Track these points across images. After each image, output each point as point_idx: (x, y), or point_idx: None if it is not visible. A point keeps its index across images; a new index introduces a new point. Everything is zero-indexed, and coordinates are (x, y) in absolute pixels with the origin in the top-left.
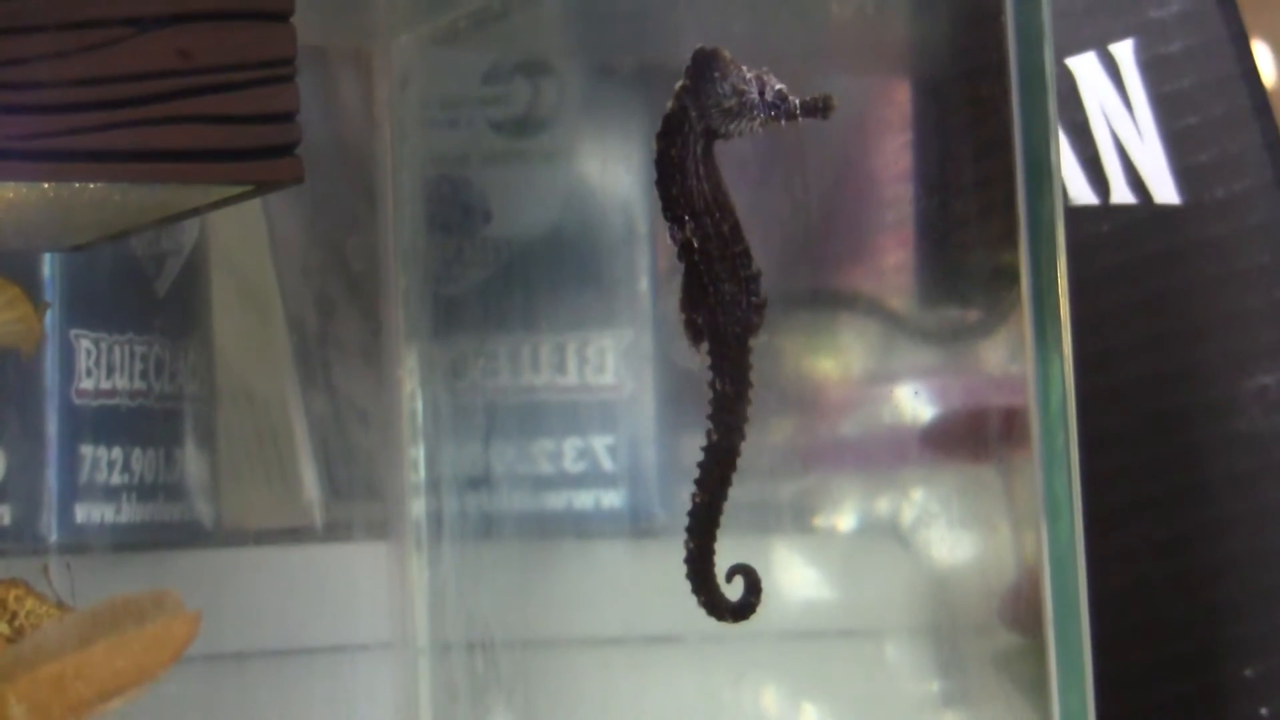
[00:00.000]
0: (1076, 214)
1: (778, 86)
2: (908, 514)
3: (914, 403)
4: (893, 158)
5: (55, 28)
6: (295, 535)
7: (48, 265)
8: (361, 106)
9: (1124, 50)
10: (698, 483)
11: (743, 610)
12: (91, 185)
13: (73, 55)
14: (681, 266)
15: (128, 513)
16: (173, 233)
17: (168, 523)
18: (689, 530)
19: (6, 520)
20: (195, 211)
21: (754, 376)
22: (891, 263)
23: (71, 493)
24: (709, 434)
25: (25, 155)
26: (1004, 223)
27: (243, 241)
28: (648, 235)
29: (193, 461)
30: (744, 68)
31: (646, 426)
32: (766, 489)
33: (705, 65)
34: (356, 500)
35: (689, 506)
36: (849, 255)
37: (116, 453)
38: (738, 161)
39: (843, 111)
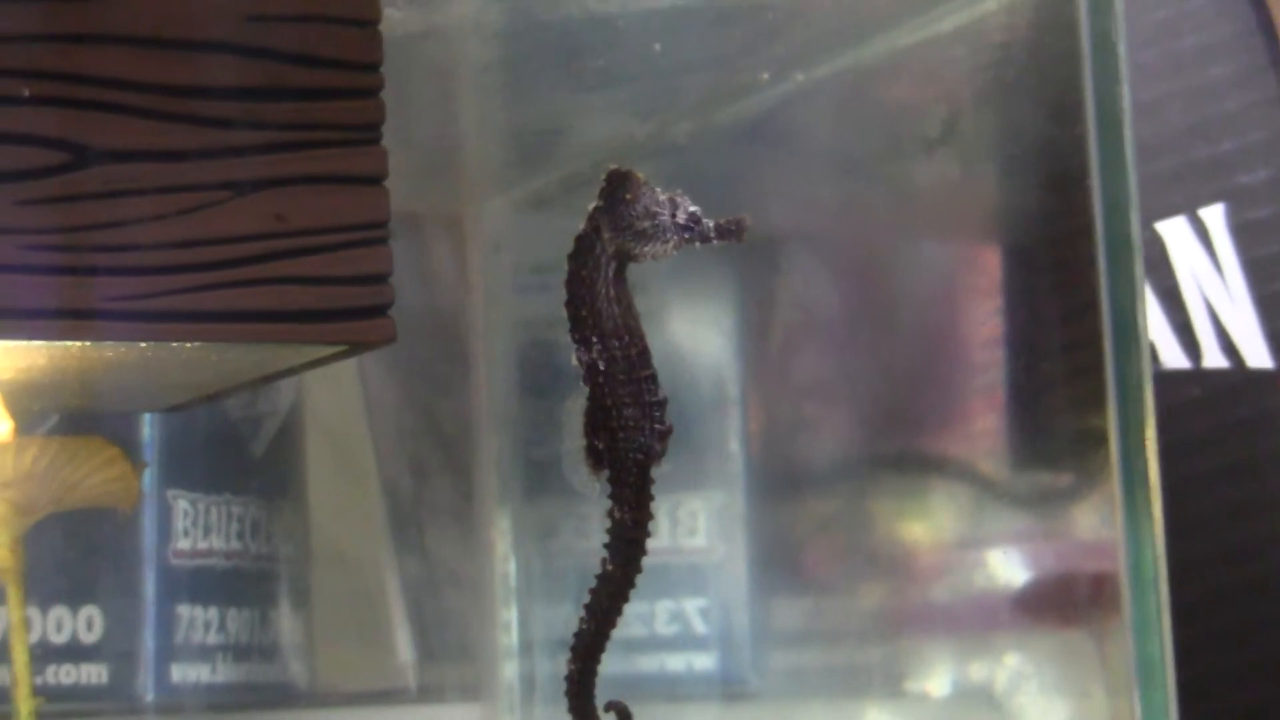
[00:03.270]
0: (1168, 378)
1: (691, 209)
2: (1000, 679)
3: (1005, 566)
4: (981, 322)
5: (154, 191)
6: (388, 697)
7: (147, 426)
8: (454, 271)
9: (1214, 215)
10: (587, 608)
11: None
12: (188, 346)
13: (171, 218)
14: (586, 390)
15: (223, 673)
16: (269, 395)
17: (262, 683)
18: (572, 650)
19: (104, 679)
20: (289, 372)
21: (654, 507)
22: (980, 426)
23: (168, 652)
24: (603, 562)
25: (123, 316)
26: (1092, 386)
27: (338, 405)
28: (738, 398)
29: (287, 622)
30: (657, 190)
31: (738, 589)
32: (858, 652)
33: (617, 186)
34: (449, 662)
35: (580, 634)
36: (938, 419)
37: (212, 613)
38: (825, 325)
39: (931, 276)
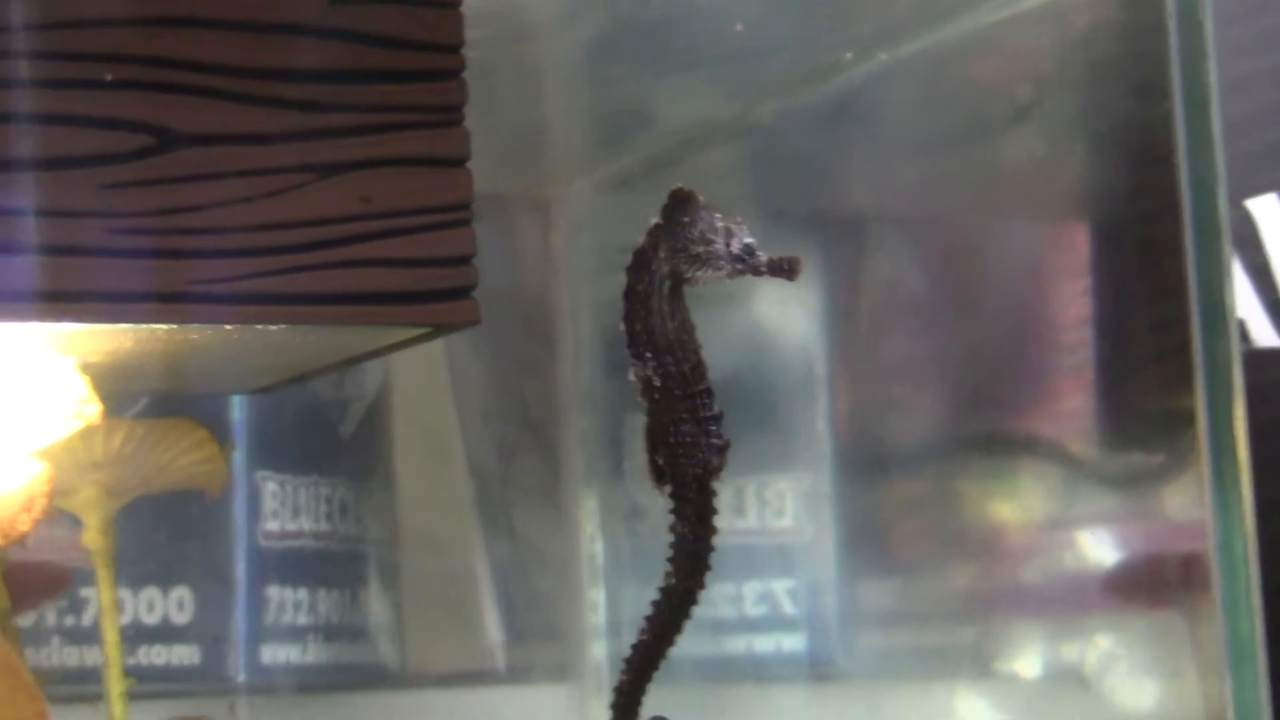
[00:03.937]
0: (1260, 357)
1: (746, 240)
2: (1091, 660)
3: (1094, 547)
4: (1069, 301)
5: (238, 174)
6: (477, 677)
7: (236, 409)
8: (539, 252)
9: None
10: (648, 619)
11: None
12: (273, 328)
13: (255, 201)
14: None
15: (313, 653)
16: (357, 377)
17: (352, 664)
18: (627, 661)
19: (195, 660)
20: (375, 353)
21: (717, 521)
22: (1069, 406)
23: (258, 633)
24: (666, 575)
25: (208, 299)
26: (1180, 366)
27: (425, 387)
28: (825, 378)
29: (376, 603)
30: (716, 216)
31: (827, 570)
32: (947, 633)
33: (677, 208)
34: (537, 643)
35: (636, 644)
36: (1026, 399)
37: (302, 594)
38: (912, 305)
39: (1018, 256)
